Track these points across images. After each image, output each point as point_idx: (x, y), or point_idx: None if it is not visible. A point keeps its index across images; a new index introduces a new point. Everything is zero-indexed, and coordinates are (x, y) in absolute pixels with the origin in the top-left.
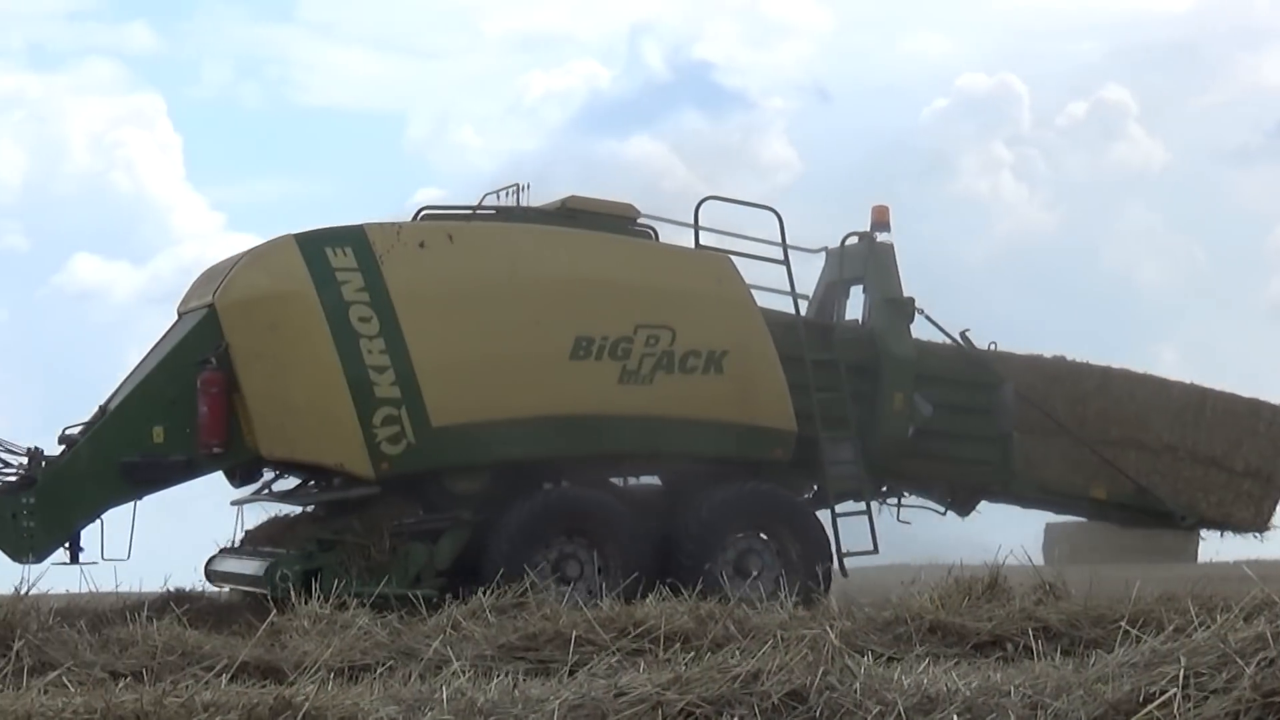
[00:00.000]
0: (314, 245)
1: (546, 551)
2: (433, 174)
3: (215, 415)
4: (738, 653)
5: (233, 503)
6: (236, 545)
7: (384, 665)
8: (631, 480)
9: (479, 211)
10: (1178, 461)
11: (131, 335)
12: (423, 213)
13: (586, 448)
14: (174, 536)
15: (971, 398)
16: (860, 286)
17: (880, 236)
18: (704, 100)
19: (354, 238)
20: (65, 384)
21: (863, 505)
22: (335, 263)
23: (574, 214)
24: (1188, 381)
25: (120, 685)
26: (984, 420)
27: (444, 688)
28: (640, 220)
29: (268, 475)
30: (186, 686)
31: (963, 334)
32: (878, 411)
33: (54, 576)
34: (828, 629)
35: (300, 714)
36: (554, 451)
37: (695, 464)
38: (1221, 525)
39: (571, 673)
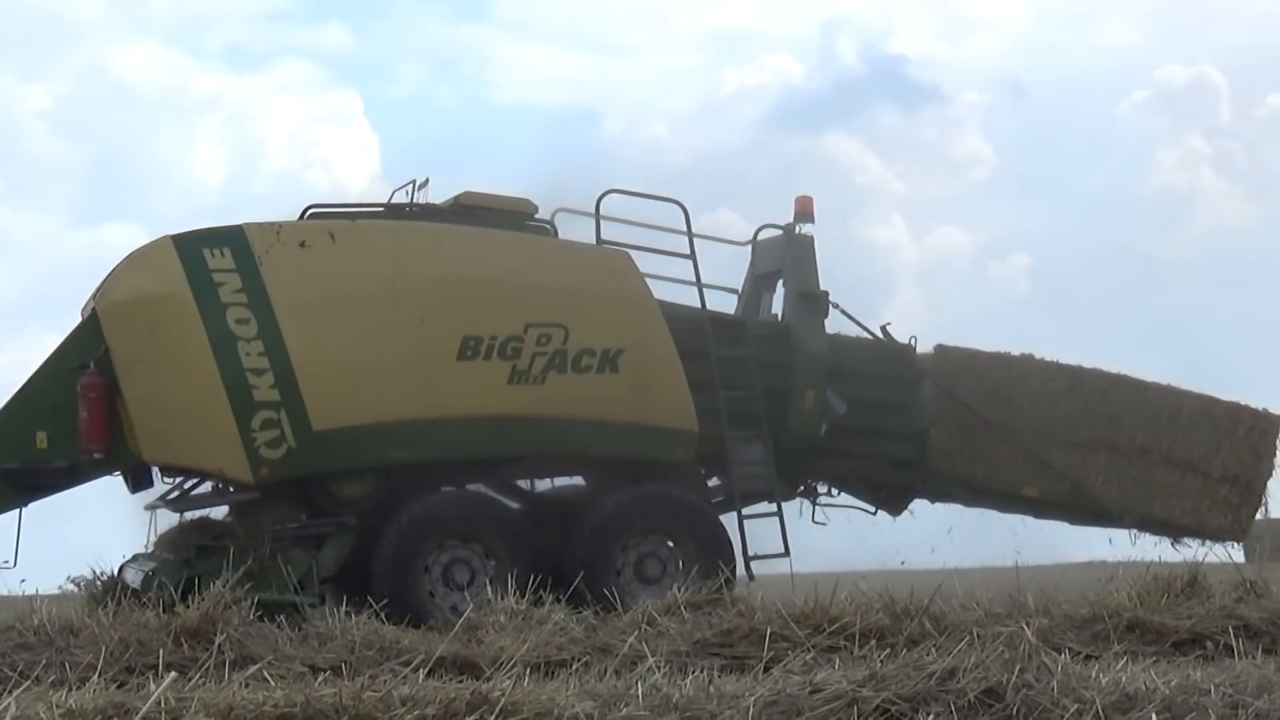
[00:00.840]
0: (191, 247)
1: (436, 556)
2: (626, 171)
3: (95, 420)
4: (933, 650)
5: (146, 508)
6: (149, 551)
7: (579, 661)
8: (560, 482)
9: (368, 209)
10: (1151, 465)
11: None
12: (310, 211)
13: (475, 450)
14: (80, 540)
15: (889, 394)
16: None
17: (804, 228)
18: (897, 95)
19: (233, 238)
20: None
21: (774, 506)
22: (212, 264)
23: (468, 210)
24: (1165, 383)
25: (319, 680)
26: (902, 417)
27: (639, 683)
28: (539, 215)
29: (176, 479)
30: (384, 681)
31: (883, 328)
32: (789, 409)
33: None
34: (1024, 626)
35: (496, 709)
36: (441, 454)
37: (592, 465)
38: (1196, 533)
39: (766, 669)
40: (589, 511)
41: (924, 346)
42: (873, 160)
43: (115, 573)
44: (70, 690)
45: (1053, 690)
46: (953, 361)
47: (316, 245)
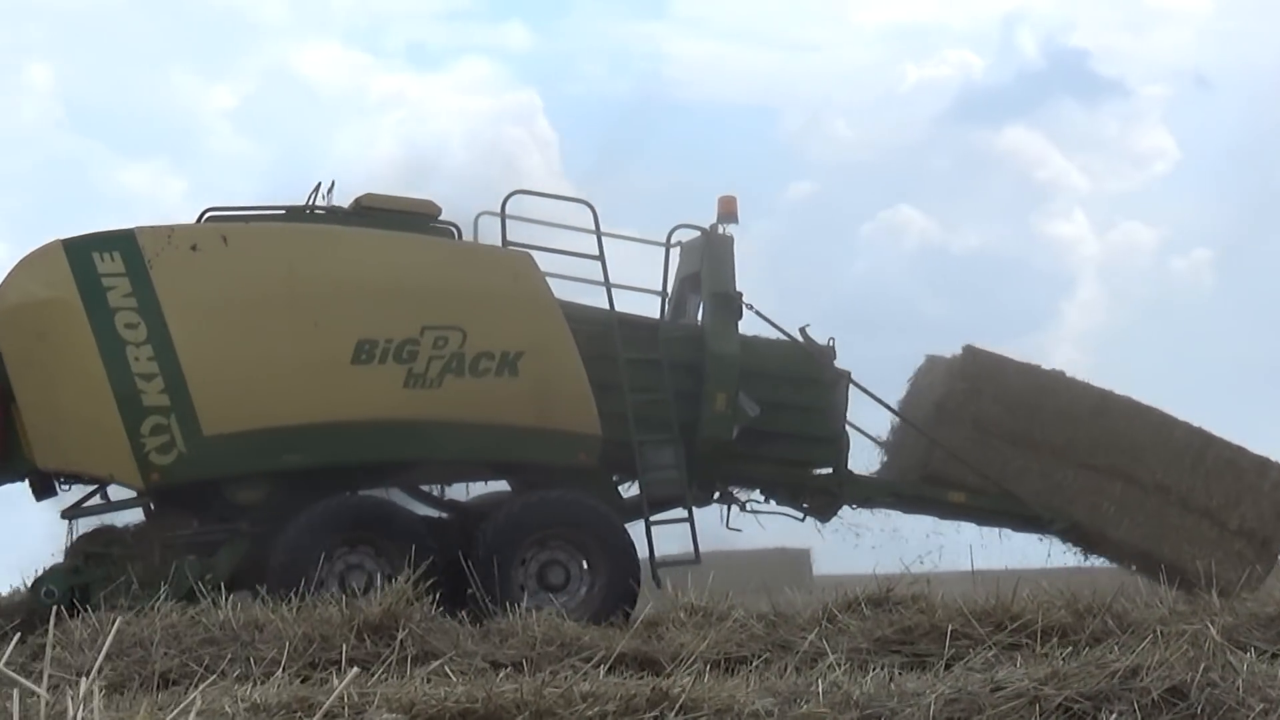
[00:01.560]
0: (81, 251)
1: (330, 563)
2: (806, 167)
3: None
4: (1116, 648)
5: (62, 515)
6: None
7: (759, 657)
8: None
9: (266, 212)
10: (1167, 505)
11: None
12: (207, 214)
13: (370, 455)
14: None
15: (805, 396)
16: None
17: (727, 229)
18: (1079, 88)
19: (123, 242)
20: None
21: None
22: (102, 268)
23: (369, 212)
24: (1197, 425)
25: (500, 675)
26: (819, 420)
27: (819, 680)
28: (442, 217)
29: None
30: (565, 677)
31: (802, 329)
32: (700, 412)
33: None
34: (1209, 624)
35: (676, 705)
36: (335, 459)
37: (502, 470)
38: (1200, 582)
39: (947, 667)
40: (489, 518)
41: (953, 348)
42: (1054, 154)
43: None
44: (255, 685)
45: (1238, 689)
46: (980, 365)
47: (208, 249)
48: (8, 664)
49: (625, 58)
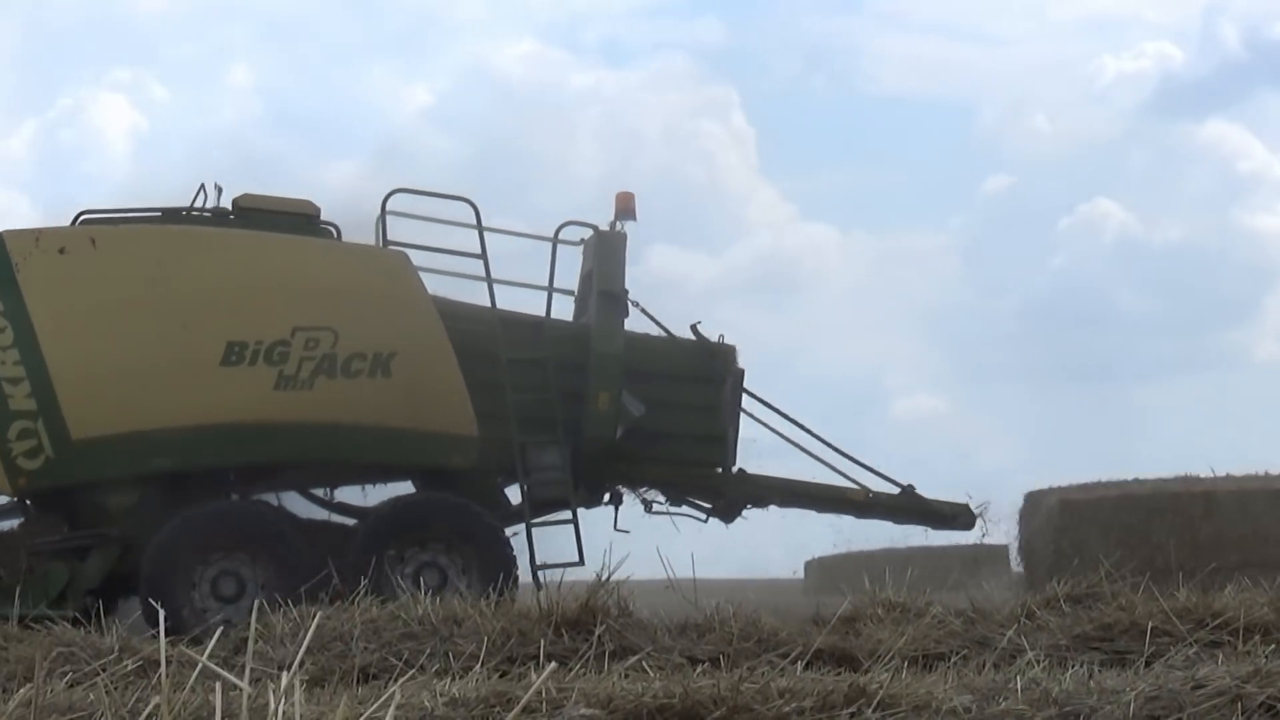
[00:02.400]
0: None
1: (202, 569)
2: (1003, 162)
3: None
4: None
5: None
6: None
7: (957, 654)
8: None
9: (141, 214)
10: None
11: (707, 325)
12: (81, 216)
13: (241, 458)
14: None
15: (692, 395)
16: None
17: (625, 225)
18: None
19: None
20: None
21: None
22: None
23: (246, 213)
24: None
25: (698, 671)
26: (705, 419)
27: (1018, 677)
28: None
29: None
30: (762, 673)
31: (693, 327)
32: (584, 412)
33: None
34: None
35: (874, 702)
36: (205, 462)
37: (366, 473)
38: None
39: (1148, 664)
40: (363, 520)
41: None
42: (1257, 147)
43: None
44: (453, 679)
45: None
46: (1077, 516)
47: (77, 251)
48: (210, 657)
49: (822, 53)
